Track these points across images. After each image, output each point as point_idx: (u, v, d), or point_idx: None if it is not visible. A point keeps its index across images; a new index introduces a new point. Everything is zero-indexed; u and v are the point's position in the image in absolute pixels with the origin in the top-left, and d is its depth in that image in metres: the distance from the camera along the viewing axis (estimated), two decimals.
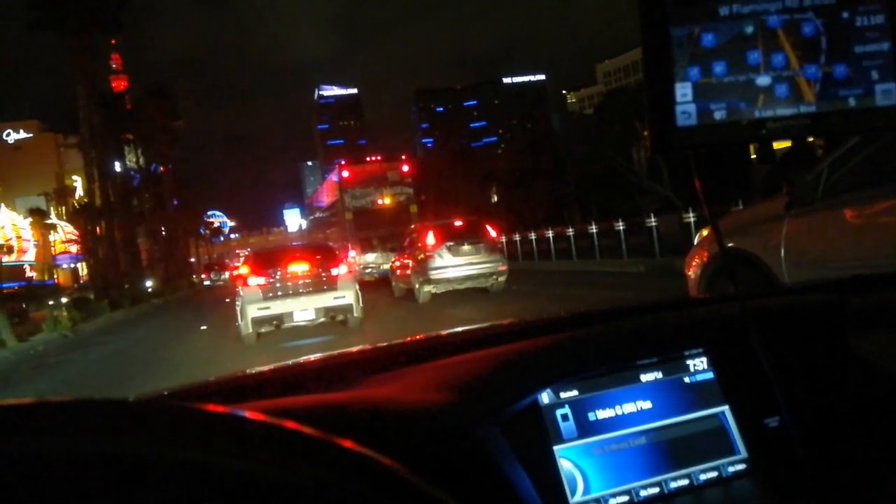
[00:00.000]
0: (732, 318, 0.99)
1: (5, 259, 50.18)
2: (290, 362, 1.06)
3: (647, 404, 0.90)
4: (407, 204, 21.51)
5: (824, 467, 0.86)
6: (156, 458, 0.36)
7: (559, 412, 0.86)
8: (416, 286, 12.52)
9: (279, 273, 9.39)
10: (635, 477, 0.85)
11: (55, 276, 58.47)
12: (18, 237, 54.15)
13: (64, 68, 32.73)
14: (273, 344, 9.13)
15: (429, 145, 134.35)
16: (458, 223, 13.15)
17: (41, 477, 0.35)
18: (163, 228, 50.16)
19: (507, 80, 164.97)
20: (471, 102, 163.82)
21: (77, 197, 58.05)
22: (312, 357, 1.07)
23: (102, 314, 21.11)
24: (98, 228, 36.10)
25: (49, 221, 58.69)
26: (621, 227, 17.09)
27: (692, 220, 14.08)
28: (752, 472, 0.89)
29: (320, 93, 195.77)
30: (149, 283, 36.94)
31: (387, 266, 16.66)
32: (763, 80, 0.70)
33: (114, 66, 74.41)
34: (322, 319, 9.40)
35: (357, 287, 9.72)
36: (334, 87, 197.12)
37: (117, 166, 40.23)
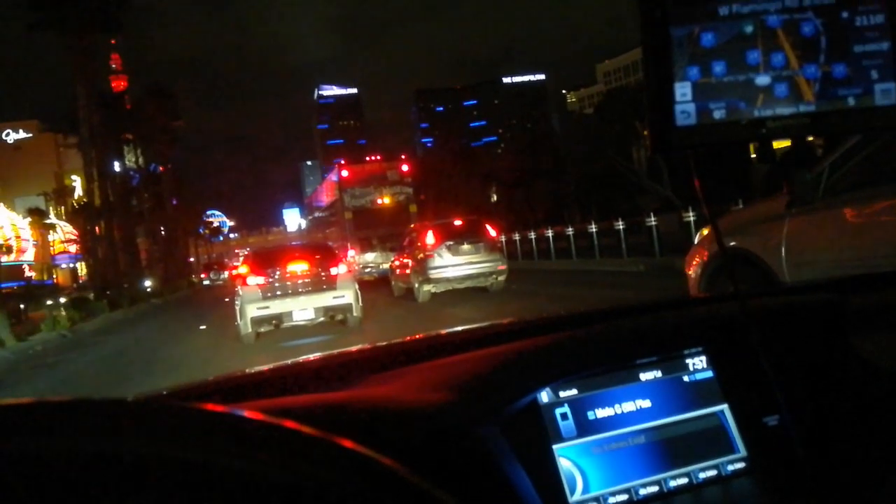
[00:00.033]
0: (732, 318, 0.99)
1: (4, 259, 50.11)
2: (289, 362, 1.06)
3: (646, 403, 0.90)
4: (406, 203, 21.50)
5: (824, 467, 0.86)
6: (155, 457, 0.36)
7: (559, 411, 0.86)
8: (416, 285, 12.52)
9: (278, 272, 9.39)
10: (635, 476, 0.85)
11: (54, 276, 58.45)
12: (18, 237, 54.12)
13: (64, 68, 32.78)
14: (272, 343, 9.13)
15: (428, 145, 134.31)
16: (457, 223, 13.15)
17: (40, 477, 0.35)
18: (162, 228, 50.15)
19: (506, 80, 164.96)
20: (471, 102, 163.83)
21: (76, 197, 58.05)
22: (312, 356, 1.07)
23: (101, 314, 21.10)
24: (97, 228, 36.10)
25: (48, 221, 58.65)
26: (621, 227, 17.09)
27: (692, 219, 14.08)
28: (751, 470, 0.89)
29: (320, 93, 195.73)
30: (148, 283, 36.93)
31: (386, 265, 16.67)
32: (762, 80, 0.70)
33: (113, 66, 74.38)
34: (321, 319, 9.40)
35: (356, 286, 9.72)
36: (334, 87, 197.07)
37: (117, 166, 40.23)
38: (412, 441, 0.71)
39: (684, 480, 0.87)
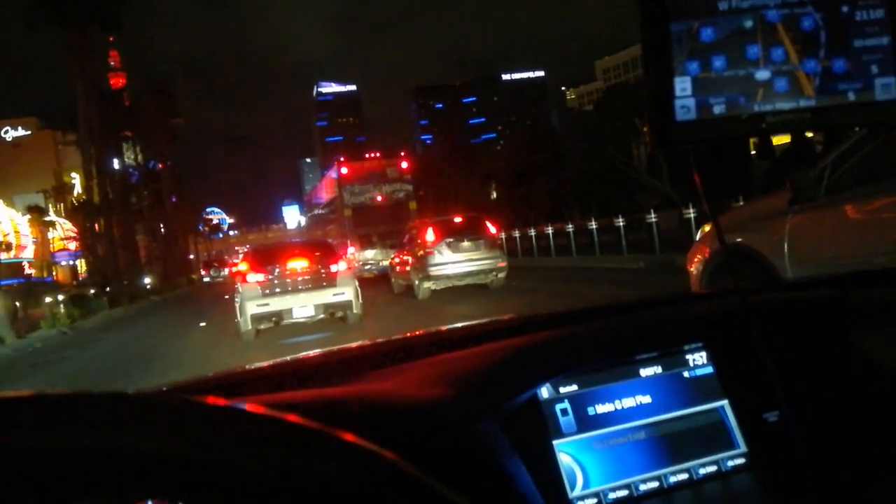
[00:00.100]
0: (732, 313, 0.99)
1: (4, 256, 50.11)
2: (288, 358, 1.06)
3: (646, 399, 0.90)
4: (406, 200, 21.52)
5: (824, 463, 0.86)
6: (155, 451, 0.36)
7: (559, 407, 0.86)
8: (416, 283, 12.52)
9: (278, 270, 9.39)
10: (635, 471, 0.85)
11: (54, 274, 58.42)
12: (16, 232, 54.10)
13: (63, 66, 32.71)
14: (272, 340, 9.14)
15: (428, 142, 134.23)
16: (457, 220, 13.14)
17: (39, 470, 0.34)
18: (161, 225, 50.14)
19: (506, 77, 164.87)
20: (470, 99, 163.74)
21: (76, 194, 57.97)
22: (311, 353, 1.07)
23: (101, 311, 21.12)
24: (97, 225, 36.11)
25: (48, 219, 58.63)
26: (621, 224, 17.11)
27: (692, 216, 14.09)
28: (751, 466, 0.89)
29: (319, 90, 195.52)
30: (147, 280, 36.92)
31: (386, 263, 16.68)
32: (762, 75, 0.70)
33: (112, 63, 74.22)
34: (321, 316, 9.41)
35: (356, 283, 9.73)
36: (333, 84, 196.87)
37: (116, 163, 40.18)
38: (412, 436, 0.71)
39: (684, 476, 0.87)
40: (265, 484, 0.37)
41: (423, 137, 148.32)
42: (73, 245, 57.24)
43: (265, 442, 0.38)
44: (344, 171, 21.69)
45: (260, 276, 9.29)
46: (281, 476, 0.37)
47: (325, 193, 26.87)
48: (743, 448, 0.90)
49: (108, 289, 27.19)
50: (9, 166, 62.50)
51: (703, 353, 0.95)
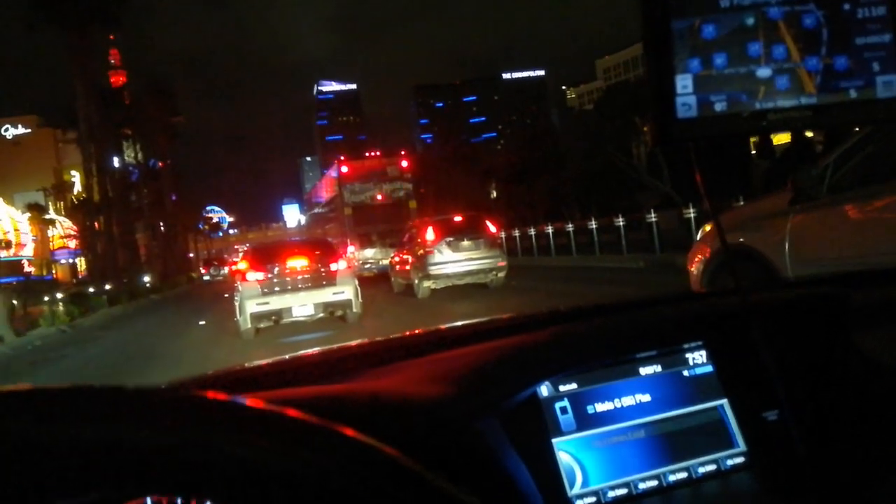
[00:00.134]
0: (732, 312, 0.99)
1: (3, 254, 50.12)
2: (287, 356, 1.05)
3: (646, 397, 0.90)
4: (406, 199, 21.49)
5: (824, 462, 0.86)
6: (154, 445, 0.36)
7: (558, 405, 0.86)
8: (416, 282, 12.52)
9: (278, 268, 9.38)
10: (634, 470, 0.85)
11: (53, 272, 58.44)
12: (16, 230, 54.10)
13: (63, 64, 32.72)
14: (271, 339, 9.13)
15: (428, 141, 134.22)
16: (457, 219, 13.13)
17: (38, 463, 0.34)
18: (161, 224, 50.13)
19: (506, 76, 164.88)
20: (470, 98, 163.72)
21: (75, 192, 57.98)
22: (311, 351, 1.07)
23: (100, 309, 21.11)
24: (96, 224, 36.14)
25: (47, 217, 58.65)
26: (621, 223, 17.10)
27: (692, 215, 14.08)
28: (750, 465, 0.89)
29: (319, 88, 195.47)
30: (147, 278, 36.92)
31: (386, 261, 16.67)
32: (764, 72, 0.70)
33: (112, 61, 74.20)
34: (321, 315, 9.40)
35: (356, 282, 9.72)
36: (333, 83, 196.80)
37: (116, 162, 40.19)
38: (411, 433, 0.70)
39: (683, 475, 0.87)
40: (265, 478, 0.37)
41: (423, 136, 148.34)
42: (72, 243, 57.27)
43: (265, 436, 0.38)
44: (344, 169, 21.67)
45: (259, 275, 9.29)
46: (281, 470, 0.37)
47: (325, 192, 26.83)
48: (742, 447, 0.90)
49: (107, 287, 27.19)
50: (9, 164, 62.52)
51: (703, 352, 0.95)
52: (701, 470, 0.87)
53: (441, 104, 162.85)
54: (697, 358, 0.95)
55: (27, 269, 54.17)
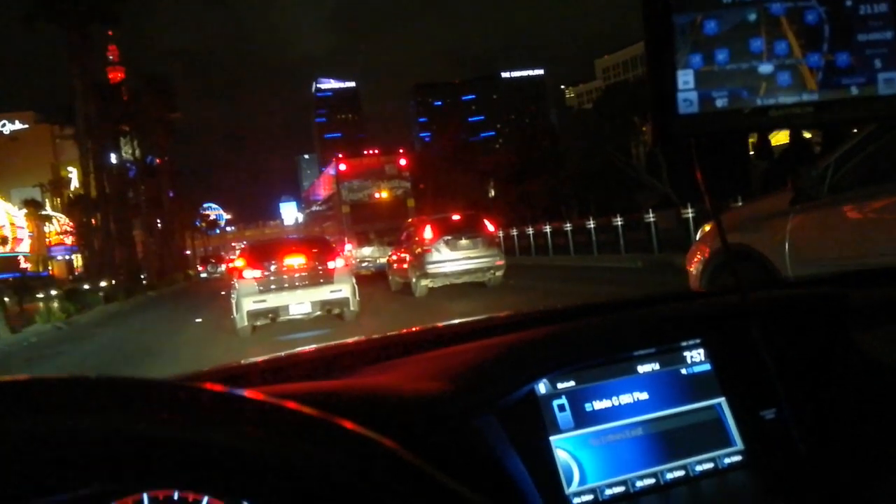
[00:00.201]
0: (731, 310, 0.99)
1: (0, 250, 50.01)
2: (283, 353, 1.05)
3: (643, 395, 0.89)
4: (404, 198, 21.49)
5: (823, 462, 0.85)
6: (152, 436, 0.36)
7: (556, 402, 0.86)
8: (413, 280, 12.51)
9: (275, 266, 9.37)
10: (631, 468, 0.85)
11: (50, 268, 58.34)
12: (13, 225, 53.98)
13: (60, 59, 32.62)
14: (268, 337, 9.12)
15: (427, 139, 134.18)
16: (455, 217, 13.13)
17: (35, 455, 0.34)
18: (158, 221, 50.05)
19: (505, 75, 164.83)
20: (469, 97, 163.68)
21: (72, 188, 57.87)
22: (307, 348, 1.07)
23: (96, 306, 21.06)
24: (93, 220, 36.05)
25: (44, 213, 58.55)
26: (619, 223, 17.12)
27: (690, 215, 14.09)
28: (747, 463, 0.89)
29: (318, 86, 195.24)
30: (144, 275, 36.86)
31: (383, 260, 16.66)
32: (765, 68, 0.70)
33: (110, 57, 74.03)
34: (318, 313, 9.39)
35: (353, 281, 9.72)
36: (332, 81, 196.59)
37: (113, 158, 40.07)
38: (408, 429, 0.70)
39: (681, 473, 0.86)
40: (264, 471, 0.37)
41: (421, 135, 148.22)
42: (69, 240, 57.19)
43: (264, 428, 0.38)
44: (342, 167, 21.66)
45: (257, 273, 9.28)
46: (280, 462, 0.37)
47: (323, 190, 26.81)
48: (740, 445, 0.90)
49: (103, 284, 27.13)
50: (6, 160, 62.42)
51: (701, 351, 0.95)
52: (698, 468, 0.87)
53: (440, 103, 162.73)
54: (695, 356, 0.94)
55: (23, 265, 54.06)
